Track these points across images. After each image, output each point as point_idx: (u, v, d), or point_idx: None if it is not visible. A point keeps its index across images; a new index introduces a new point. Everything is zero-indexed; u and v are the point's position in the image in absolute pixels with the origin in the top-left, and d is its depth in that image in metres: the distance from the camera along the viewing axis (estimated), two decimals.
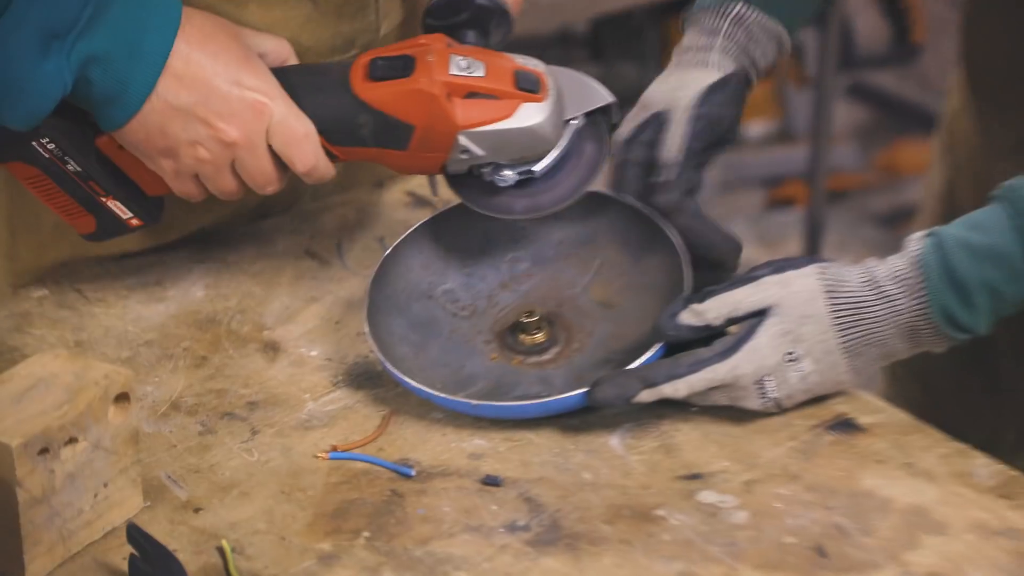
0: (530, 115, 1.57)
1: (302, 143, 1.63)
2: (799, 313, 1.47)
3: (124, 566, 1.29)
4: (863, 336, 1.47)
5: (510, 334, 1.59)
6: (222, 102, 1.60)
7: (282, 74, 1.64)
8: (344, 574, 1.31)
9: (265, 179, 1.64)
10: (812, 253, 3.65)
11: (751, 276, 1.51)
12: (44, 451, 1.27)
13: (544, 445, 1.47)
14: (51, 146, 1.64)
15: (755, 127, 3.91)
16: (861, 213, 3.93)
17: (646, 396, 1.45)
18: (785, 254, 3.81)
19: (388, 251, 1.63)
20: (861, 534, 1.36)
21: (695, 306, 1.48)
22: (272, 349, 1.58)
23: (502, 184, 1.59)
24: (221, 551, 1.32)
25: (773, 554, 1.34)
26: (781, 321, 1.46)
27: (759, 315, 1.47)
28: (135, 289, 1.66)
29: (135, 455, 1.35)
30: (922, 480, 1.43)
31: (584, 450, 1.47)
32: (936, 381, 1.60)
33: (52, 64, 1.55)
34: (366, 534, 1.35)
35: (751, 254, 3.71)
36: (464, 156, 1.59)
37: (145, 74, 1.59)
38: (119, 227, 1.68)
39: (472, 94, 1.56)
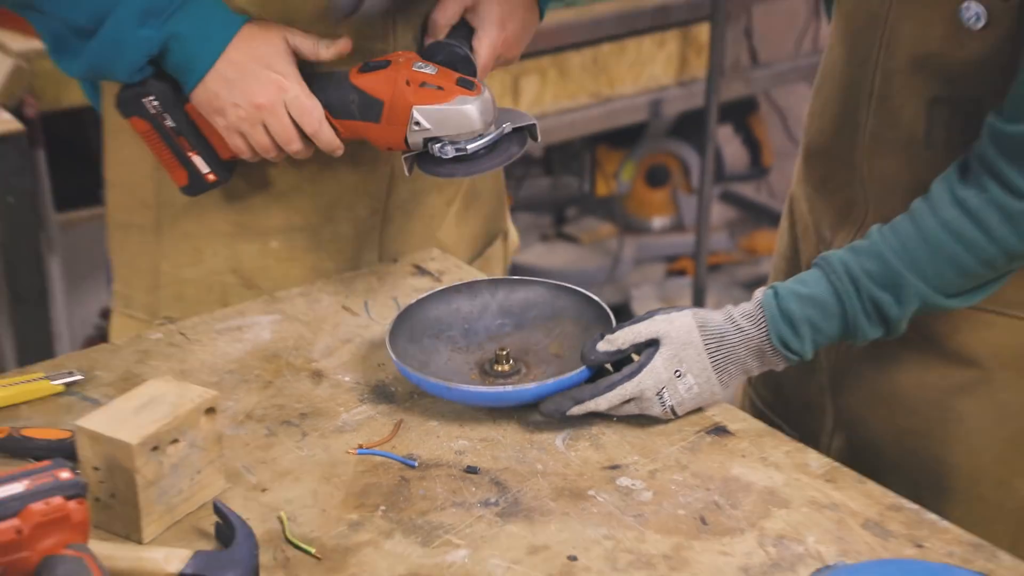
0: (464, 102, 1.60)
1: (310, 112, 1.66)
2: (681, 341, 1.46)
3: (212, 530, 1.28)
4: (726, 357, 1.47)
5: (488, 364, 1.59)
6: (254, 79, 1.66)
7: (305, 66, 1.71)
8: (367, 536, 1.30)
9: (287, 137, 1.67)
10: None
11: (647, 316, 1.50)
12: (155, 448, 1.26)
13: (509, 444, 1.47)
14: (156, 103, 1.69)
15: (658, 221, 3.94)
16: (731, 281, 3.94)
17: (577, 410, 1.45)
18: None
19: (415, 301, 1.64)
20: (731, 507, 1.36)
21: (608, 336, 1.47)
22: (317, 375, 1.58)
23: (445, 156, 1.60)
24: (280, 520, 1.30)
25: (669, 522, 1.33)
26: (669, 348, 1.45)
27: (653, 344, 1.46)
28: (223, 333, 1.66)
29: (219, 451, 1.35)
30: (772, 469, 1.43)
31: (537, 448, 1.46)
32: (783, 386, 1.60)
33: (145, 32, 1.64)
34: (382, 508, 1.34)
35: (652, 303, 3.75)
36: (417, 128, 1.60)
37: (209, 54, 1.67)
38: (201, 182, 1.75)
39: (424, 84, 1.61)
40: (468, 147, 1.60)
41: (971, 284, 1.45)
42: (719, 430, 1.49)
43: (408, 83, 1.60)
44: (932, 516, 1.35)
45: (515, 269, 3.32)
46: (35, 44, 2.66)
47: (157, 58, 1.67)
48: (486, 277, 1.75)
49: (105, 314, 3.16)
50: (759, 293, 1.49)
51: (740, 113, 4.08)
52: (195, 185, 1.74)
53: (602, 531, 1.31)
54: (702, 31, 3.40)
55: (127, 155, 1.85)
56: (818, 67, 1.76)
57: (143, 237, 1.87)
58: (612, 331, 1.49)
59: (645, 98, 3.43)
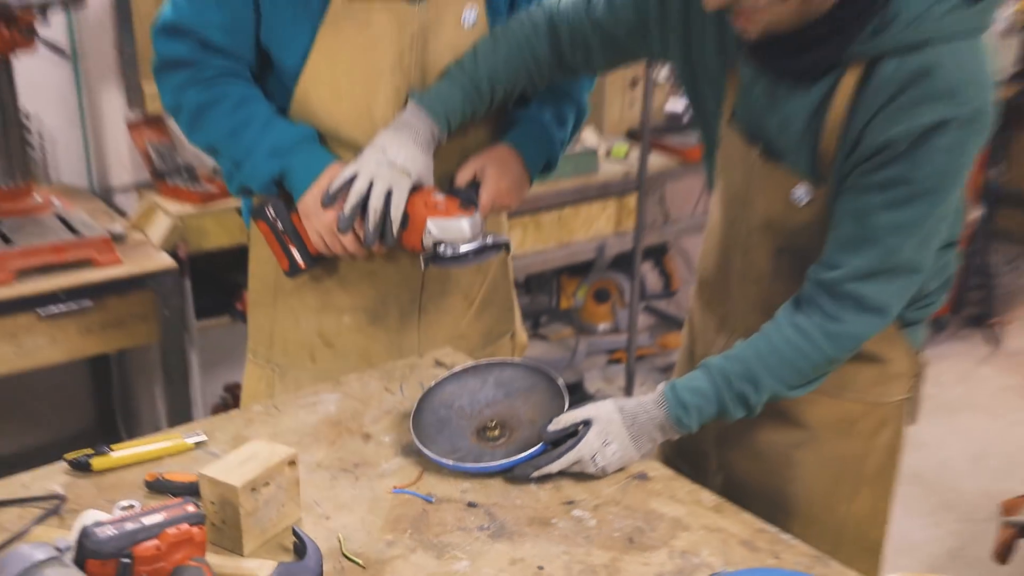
0: (460, 219, 1.58)
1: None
2: (606, 420, 1.44)
3: (291, 547, 1.26)
4: (639, 431, 1.45)
5: (483, 430, 1.56)
6: (316, 201, 1.64)
7: None
8: (398, 552, 1.28)
9: (353, 245, 1.63)
10: (629, 390, 3.60)
11: (580, 404, 1.48)
12: (253, 489, 1.25)
13: (497, 487, 1.44)
14: (272, 212, 1.70)
15: (602, 326, 3.94)
16: (651, 367, 3.92)
17: (537, 474, 1.42)
18: (616, 387, 3.82)
19: (428, 388, 1.60)
20: (650, 531, 1.34)
21: (555, 419, 1.46)
22: (366, 437, 1.56)
23: (446, 255, 1.58)
24: (338, 540, 1.28)
25: (607, 541, 1.32)
26: (598, 425, 1.43)
27: (587, 424, 1.44)
28: (303, 407, 1.64)
29: (297, 490, 1.33)
30: (678, 504, 1.41)
31: (517, 489, 1.43)
32: (683, 442, 1.57)
33: (270, 164, 1.66)
34: (409, 531, 1.33)
35: (601, 385, 3.69)
36: (428, 234, 1.58)
37: (307, 181, 1.66)
38: (297, 268, 1.72)
39: (436, 207, 1.58)
40: (461, 249, 1.58)
41: (805, 380, 1.46)
42: (641, 476, 1.47)
43: (425, 205, 1.59)
44: (785, 536, 1.35)
45: None
46: (186, 208, 2.67)
47: (278, 180, 1.67)
48: (485, 361, 1.71)
49: (228, 388, 3.16)
50: (662, 386, 1.48)
51: (657, 253, 4.12)
52: (292, 270, 1.73)
53: (561, 548, 1.30)
54: (632, 199, 3.43)
55: (260, 256, 1.84)
56: (706, 224, 1.76)
57: (265, 310, 1.87)
58: (558, 416, 1.47)
59: (593, 243, 3.45)
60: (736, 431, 1.66)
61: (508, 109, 1.85)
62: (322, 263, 1.74)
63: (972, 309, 4.60)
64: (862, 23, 1.30)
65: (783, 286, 1.52)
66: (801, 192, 1.44)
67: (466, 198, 1.67)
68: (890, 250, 1.36)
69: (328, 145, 1.73)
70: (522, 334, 2.11)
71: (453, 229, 1.59)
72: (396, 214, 1.58)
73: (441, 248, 1.60)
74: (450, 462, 1.45)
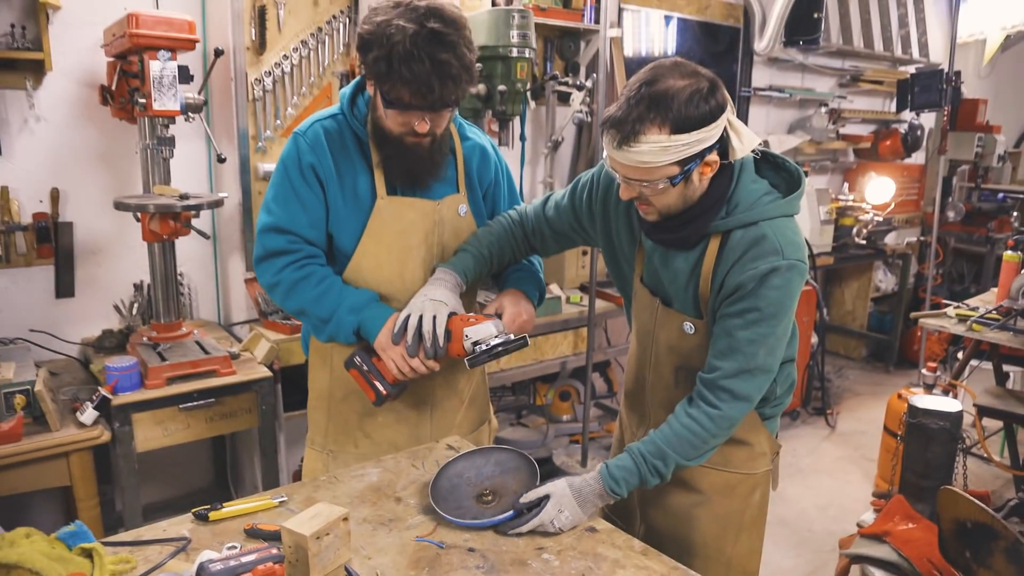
0: (487, 322, 1.54)
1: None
2: (560, 494, 1.41)
3: None
4: (584, 500, 1.41)
5: (480, 495, 1.50)
6: (387, 338, 1.57)
7: None
8: None
9: (419, 366, 1.56)
10: (584, 462, 3.50)
11: (549, 479, 1.44)
12: (318, 537, 1.18)
13: (489, 537, 1.37)
14: (359, 359, 1.61)
15: (565, 417, 3.87)
16: (600, 446, 3.82)
17: (512, 533, 1.38)
18: (575, 460, 3.72)
19: (446, 463, 1.55)
20: (597, 569, 1.28)
21: (524, 495, 1.42)
22: (398, 500, 1.50)
23: (483, 351, 1.52)
24: (376, 574, 1.22)
25: (567, 575, 1.24)
26: (554, 499, 1.40)
27: (547, 498, 1.40)
28: (353, 478, 1.58)
29: (348, 538, 1.26)
30: (615, 548, 1.35)
31: (503, 539, 1.37)
32: (617, 504, 1.52)
33: (350, 319, 1.60)
34: (426, 569, 1.26)
35: (565, 459, 3.58)
36: (466, 340, 1.53)
37: (376, 328, 1.59)
38: (382, 397, 1.60)
39: (468, 321, 1.55)
40: (492, 343, 1.52)
41: (698, 454, 1.43)
42: (591, 529, 1.41)
43: (461, 320, 1.54)
44: (693, 573, 1.29)
45: (497, 439, 3.25)
46: (279, 336, 2.66)
47: (356, 330, 1.60)
48: (487, 447, 1.66)
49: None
50: (600, 467, 1.44)
51: (603, 367, 4.06)
52: (378, 400, 1.62)
53: None
54: (584, 330, 3.41)
55: (316, 375, 1.78)
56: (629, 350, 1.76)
57: (321, 413, 1.80)
58: (527, 492, 1.43)
59: (558, 360, 3.41)
60: (653, 495, 1.63)
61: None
62: (398, 388, 1.63)
63: (815, 403, 4.57)
64: (717, 209, 1.39)
65: (682, 392, 1.52)
66: (688, 326, 1.48)
67: (491, 314, 1.62)
68: (749, 356, 1.38)
69: None
70: (494, 420, 2.04)
71: (483, 331, 1.53)
72: (440, 331, 1.53)
73: (477, 347, 1.52)
74: (455, 519, 1.40)
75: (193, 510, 1.39)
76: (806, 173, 4.90)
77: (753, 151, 1.41)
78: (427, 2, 1.45)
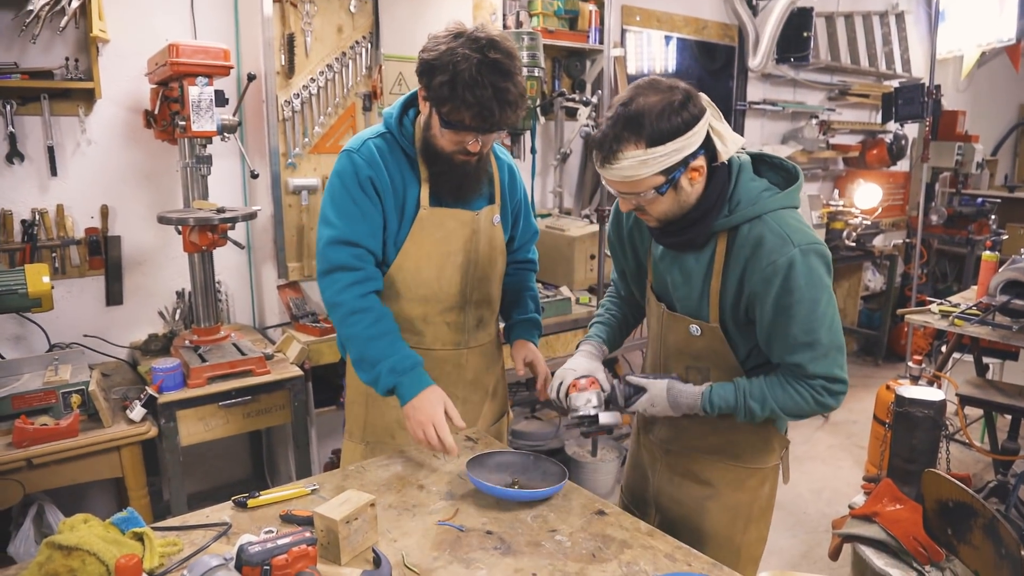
0: (581, 393, 1.51)
1: (441, 434, 1.51)
2: (656, 392, 1.44)
3: (371, 559, 1.20)
4: (676, 403, 1.43)
5: (508, 484, 1.50)
6: (421, 412, 1.52)
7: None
8: (441, 564, 1.23)
9: (427, 441, 1.52)
10: (594, 452, 3.43)
11: (644, 379, 1.48)
12: (348, 521, 1.20)
13: (506, 521, 1.37)
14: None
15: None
16: (608, 438, 3.79)
17: (628, 410, 1.48)
18: (585, 450, 3.68)
19: (481, 452, 1.55)
20: (605, 549, 1.28)
21: (629, 378, 1.48)
22: (421, 487, 1.50)
23: (573, 415, 1.51)
24: (402, 556, 1.23)
25: (578, 557, 1.26)
26: (649, 392, 1.45)
27: (642, 391, 1.45)
28: (380, 468, 1.58)
29: (375, 522, 1.28)
30: (624, 530, 1.35)
31: (519, 522, 1.37)
32: (634, 492, 1.57)
33: (389, 379, 1.56)
34: (448, 550, 1.27)
35: (576, 449, 3.56)
36: (568, 400, 1.53)
37: (408, 396, 1.56)
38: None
39: (577, 386, 1.53)
40: (578, 412, 1.51)
41: (795, 415, 1.41)
42: (601, 512, 1.41)
43: (574, 386, 1.53)
44: (695, 552, 1.29)
45: (514, 432, 3.25)
46: (310, 338, 2.68)
47: (392, 390, 1.57)
48: (508, 449, 1.64)
49: (334, 452, 3.10)
50: (705, 386, 1.43)
51: (610, 363, 4.02)
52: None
53: (547, 561, 1.24)
54: None
55: (355, 374, 1.72)
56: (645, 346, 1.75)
57: (359, 407, 1.81)
58: (631, 379, 1.48)
59: (568, 357, 3.39)
60: (667, 487, 1.62)
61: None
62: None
63: None
64: (719, 209, 1.37)
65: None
66: (694, 328, 1.45)
67: (611, 389, 1.53)
68: (813, 344, 1.33)
69: (406, 296, 1.68)
70: (510, 413, 2.05)
71: (576, 399, 1.50)
72: (561, 393, 1.54)
73: (571, 413, 1.51)
74: (498, 487, 1.41)
75: (233, 498, 1.41)
76: None
77: (749, 152, 1.40)
78: (486, 34, 1.47)
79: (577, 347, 1.66)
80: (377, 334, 1.58)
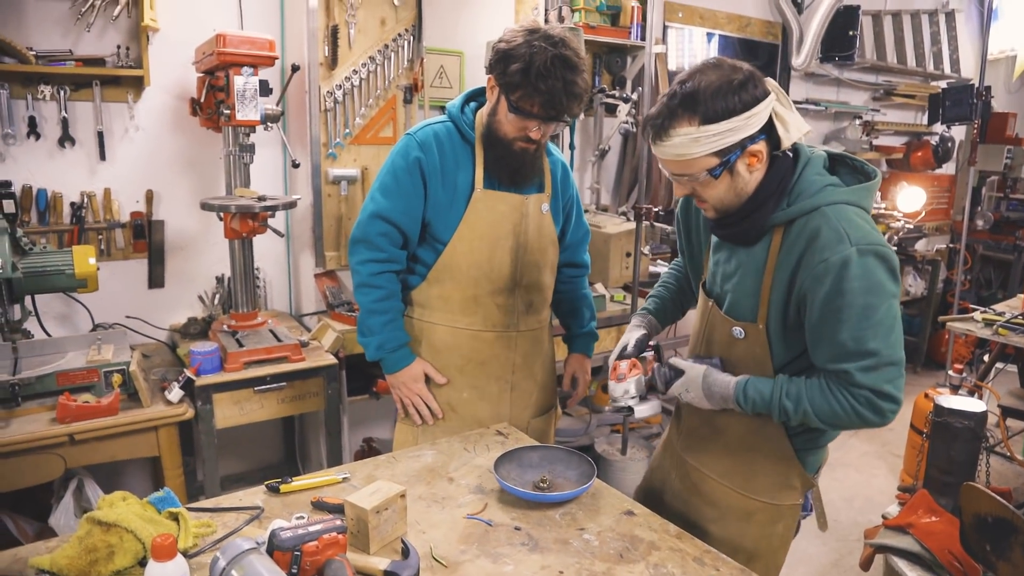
0: (626, 384, 1.50)
1: (423, 398, 1.80)
2: (692, 377, 1.40)
3: (400, 550, 1.21)
4: (711, 393, 1.38)
5: (536, 483, 1.46)
6: (404, 386, 1.79)
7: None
8: (469, 557, 1.22)
9: (411, 403, 1.80)
10: (624, 450, 3.40)
11: (687, 360, 1.45)
12: (378, 512, 1.20)
13: (534, 517, 1.36)
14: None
15: (606, 407, 3.81)
16: (639, 436, 3.76)
17: (667, 395, 1.46)
18: (615, 448, 3.65)
19: (505, 452, 1.52)
20: (633, 550, 1.26)
21: (672, 360, 1.45)
22: (450, 480, 1.50)
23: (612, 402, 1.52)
24: (430, 548, 1.23)
25: (606, 556, 1.24)
26: (686, 376, 1.41)
27: (680, 372, 1.42)
28: (410, 459, 1.58)
29: (405, 513, 1.28)
30: (652, 531, 1.33)
31: (548, 520, 1.36)
32: (660, 502, 1.51)
33: (376, 352, 1.77)
34: (476, 544, 1.26)
35: (606, 447, 3.54)
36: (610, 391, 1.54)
37: (392, 370, 1.78)
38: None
39: (616, 370, 1.53)
40: (615, 403, 1.51)
41: (834, 425, 1.31)
42: (629, 512, 1.39)
43: (614, 370, 1.53)
44: (724, 556, 1.26)
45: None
46: (345, 327, 2.69)
47: (380, 361, 1.79)
48: (537, 443, 1.63)
49: (365, 440, 3.12)
50: (741, 378, 1.35)
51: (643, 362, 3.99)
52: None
53: (574, 559, 1.23)
54: (626, 328, 3.35)
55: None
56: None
57: None
58: (674, 361, 1.45)
59: (602, 355, 3.34)
60: (680, 498, 1.57)
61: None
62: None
63: None
64: (777, 201, 1.28)
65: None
66: (737, 331, 1.37)
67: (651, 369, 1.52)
68: (863, 352, 1.21)
69: (458, 278, 1.75)
70: (559, 409, 2.07)
71: (615, 389, 1.51)
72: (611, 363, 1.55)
73: (612, 400, 1.52)
74: (523, 490, 1.39)
75: (266, 483, 1.42)
76: None
77: (828, 151, 1.33)
78: (560, 32, 1.59)
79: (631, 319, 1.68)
80: (379, 309, 1.74)
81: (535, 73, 1.54)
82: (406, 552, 1.19)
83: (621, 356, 1.54)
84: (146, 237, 2.62)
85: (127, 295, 2.64)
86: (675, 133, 1.22)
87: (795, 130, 1.24)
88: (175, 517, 1.19)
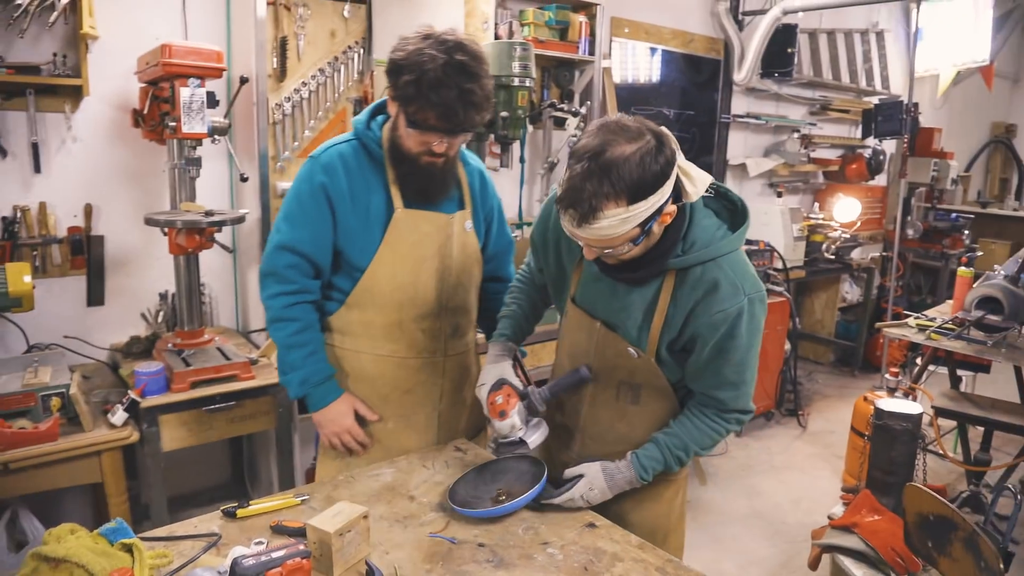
0: (508, 421, 1.48)
1: (354, 435, 1.70)
2: (593, 475, 1.44)
3: (364, 572, 1.19)
4: (614, 483, 1.44)
5: (496, 495, 1.47)
6: (333, 423, 1.68)
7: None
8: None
9: (340, 443, 1.70)
10: None
11: (578, 466, 1.46)
12: (341, 534, 1.19)
13: (498, 533, 1.37)
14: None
15: None
16: None
17: (546, 501, 1.42)
18: None
19: (464, 473, 1.54)
20: (597, 562, 1.28)
21: (565, 472, 1.46)
22: (411, 498, 1.49)
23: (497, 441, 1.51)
24: (394, 568, 1.22)
25: (570, 568, 1.26)
26: (587, 477, 1.43)
27: (580, 476, 1.43)
28: (369, 479, 1.56)
29: (368, 534, 1.27)
30: (614, 543, 1.34)
31: (510, 535, 1.36)
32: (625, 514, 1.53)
33: (299, 388, 1.66)
34: (441, 563, 1.26)
35: None
36: (491, 428, 1.53)
37: (318, 406, 1.68)
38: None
39: (496, 402, 1.50)
40: (499, 440, 1.51)
41: (712, 446, 1.47)
42: (591, 525, 1.41)
43: (495, 403, 1.50)
44: (685, 565, 1.28)
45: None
46: None
47: (303, 398, 1.68)
48: (485, 457, 1.63)
49: (315, 459, 3.06)
50: (630, 455, 1.45)
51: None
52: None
53: (539, 574, 1.24)
54: None
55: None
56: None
57: None
58: (567, 470, 1.46)
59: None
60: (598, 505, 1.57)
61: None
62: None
63: (788, 405, 4.58)
64: (673, 247, 1.33)
65: (624, 404, 1.50)
66: (633, 351, 1.43)
67: (525, 397, 1.52)
68: (739, 382, 1.40)
69: (380, 303, 1.66)
70: (488, 429, 1.97)
71: (501, 427, 1.48)
72: (485, 410, 1.53)
73: (500, 438, 1.50)
74: (484, 512, 1.39)
75: (222, 508, 1.38)
76: (780, 193, 4.94)
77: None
78: (454, 37, 1.48)
79: (488, 347, 1.65)
80: (297, 343, 1.64)
81: (427, 84, 1.43)
82: (371, 574, 1.17)
83: (494, 388, 1.52)
84: (85, 253, 2.53)
85: (65, 314, 2.54)
86: (603, 216, 1.17)
87: (700, 184, 1.28)
88: (128, 548, 1.15)
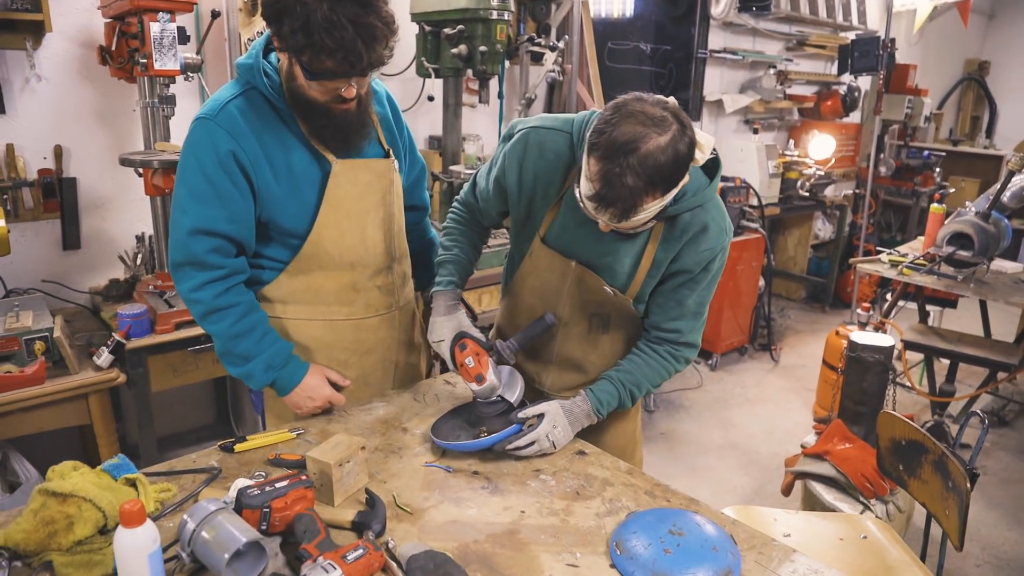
0: (487, 384, 1.44)
1: (326, 399, 1.54)
2: (553, 413, 1.45)
3: (364, 500, 1.23)
4: (574, 418, 1.47)
5: (479, 432, 1.46)
6: (311, 399, 1.53)
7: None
8: (431, 504, 1.26)
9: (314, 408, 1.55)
10: None
11: (535, 405, 1.46)
12: (340, 464, 1.22)
13: (492, 460, 1.41)
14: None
15: None
16: None
17: (511, 447, 1.40)
18: None
19: (448, 411, 1.56)
20: (588, 487, 1.33)
21: (521, 413, 1.44)
22: (405, 430, 1.52)
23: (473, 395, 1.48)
24: (393, 496, 1.26)
25: (563, 494, 1.30)
26: (548, 416, 1.44)
27: (541, 416, 1.44)
28: (364, 412, 1.60)
29: (366, 465, 1.30)
30: (605, 469, 1.40)
31: (504, 462, 1.41)
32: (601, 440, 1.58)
33: (265, 375, 1.51)
34: (437, 490, 1.30)
35: None
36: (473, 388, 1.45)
37: (291, 387, 1.53)
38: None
39: (465, 363, 1.45)
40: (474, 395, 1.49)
41: (664, 381, 1.54)
42: (581, 452, 1.46)
43: (467, 365, 1.46)
44: (674, 487, 1.34)
45: None
46: None
47: (271, 385, 1.52)
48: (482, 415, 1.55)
49: None
50: (585, 390, 1.50)
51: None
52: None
53: (534, 499, 1.29)
54: None
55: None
56: (506, 306, 1.71)
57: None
58: (523, 410, 1.45)
59: None
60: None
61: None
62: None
63: (761, 340, 4.69)
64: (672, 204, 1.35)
65: (596, 335, 1.56)
66: (609, 289, 1.48)
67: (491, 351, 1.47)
68: (698, 313, 1.50)
69: (329, 267, 1.53)
70: (436, 365, 1.95)
71: (482, 391, 1.44)
72: (450, 366, 1.50)
73: (481, 398, 1.46)
74: (461, 444, 1.40)
75: (220, 443, 1.41)
76: (756, 130, 4.94)
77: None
78: None
79: (430, 298, 1.60)
80: (243, 330, 1.47)
81: (317, 27, 1.21)
82: (371, 502, 1.21)
83: (457, 344, 1.48)
84: (57, 196, 2.47)
85: (41, 258, 2.50)
86: (642, 210, 1.19)
87: (707, 147, 1.26)
88: (132, 483, 1.17)
